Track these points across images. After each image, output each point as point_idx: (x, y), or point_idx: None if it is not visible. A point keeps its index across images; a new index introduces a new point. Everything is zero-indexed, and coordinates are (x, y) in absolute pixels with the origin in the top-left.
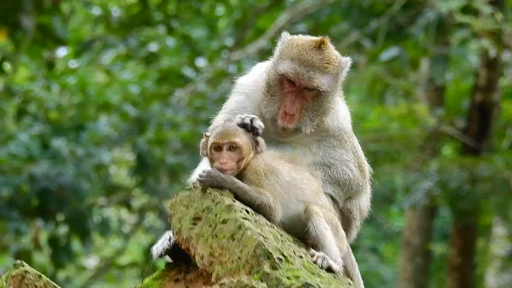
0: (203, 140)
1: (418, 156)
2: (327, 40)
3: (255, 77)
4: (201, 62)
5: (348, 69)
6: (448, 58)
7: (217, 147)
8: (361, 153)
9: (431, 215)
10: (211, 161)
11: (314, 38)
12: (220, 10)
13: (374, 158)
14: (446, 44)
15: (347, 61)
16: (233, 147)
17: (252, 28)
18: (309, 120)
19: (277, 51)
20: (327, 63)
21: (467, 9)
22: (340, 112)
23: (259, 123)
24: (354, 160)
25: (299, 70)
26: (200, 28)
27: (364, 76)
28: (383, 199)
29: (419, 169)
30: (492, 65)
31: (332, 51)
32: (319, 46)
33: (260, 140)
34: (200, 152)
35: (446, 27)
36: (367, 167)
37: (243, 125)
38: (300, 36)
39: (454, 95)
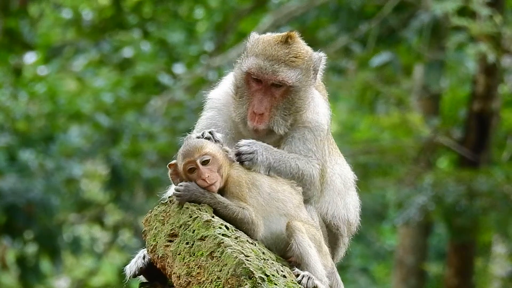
0: (170, 171)
1: (412, 169)
2: (294, 34)
3: (225, 88)
4: (179, 68)
5: (324, 64)
6: (444, 63)
7: (191, 168)
8: (328, 158)
9: (426, 233)
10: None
11: (281, 33)
12: (199, 12)
13: (364, 171)
14: (441, 48)
15: (320, 56)
16: (206, 160)
17: (233, 32)
18: (281, 120)
19: (244, 52)
20: (295, 57)
21: (464, 11)
22: (320, 108)
23: (219, 135)
24: (320, 161)
25: (262, 65)
26: (178, 32)
27: (354, 83)
28: (374, 215)
29: (413, 183)
30: (491, 71)
31: (300, 45)
32: (286, 41)
33: (228, 149)
34: (173, 183)
35: (442, 30)
36: (330, 177)
37: (207, 139)
38: (268, 33)
39: (450, 103)
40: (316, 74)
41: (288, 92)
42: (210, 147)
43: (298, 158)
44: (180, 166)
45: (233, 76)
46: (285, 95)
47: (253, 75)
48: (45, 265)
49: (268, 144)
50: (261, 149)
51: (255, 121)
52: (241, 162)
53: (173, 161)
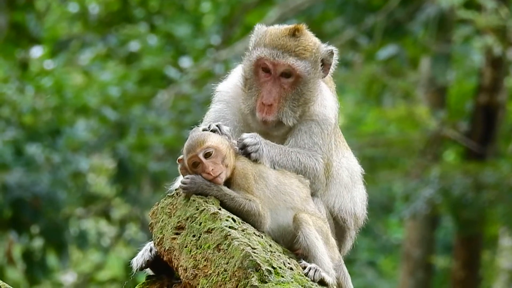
0: (180, 165)
1: (419, 161)
2: (302, 26)
3: (233, 81)
4: (185, 61)
5: (336, 59)
6: (450, 56)
7: (195, 162)
8: (334, 152)
9: (433, 225)
10: None
11: (289, 26)
12: (206, 6)
13: (371, 164)
14: (447, 41)
15: (329, 49)
16: (209, 152)
17: (240, 25)
18: (290, 111)
19: (251, 44)
20: (303, 50)
21: (470, 4)
22: (327, 102)
23: (226, 128)
24: (326, 154)
25: (272, 52)
26: (185, 26)
27: (360, 76)
28: (381, 208)
29: (420, 175)
30: (497, 64)
31: (308, 37)
32: (294, 33)
33: (235, 142)
34: (183, 177)
35: (448, 23)
36: (337, 170)
37: (212, 132)
38: (276, 25)
39: (456, 96)
40: (326, 66)
41: (297, 82)
42: (212, 139)
43: (300, 152)
44: (185, 161)
45: (242, 68)
46: (294, 86)
47: (262, 65)
48: (52, 259)
49: (276, 135)
50: (264, 142)
51: (264, 112)
52: (247, 154)
53: (181, 156)
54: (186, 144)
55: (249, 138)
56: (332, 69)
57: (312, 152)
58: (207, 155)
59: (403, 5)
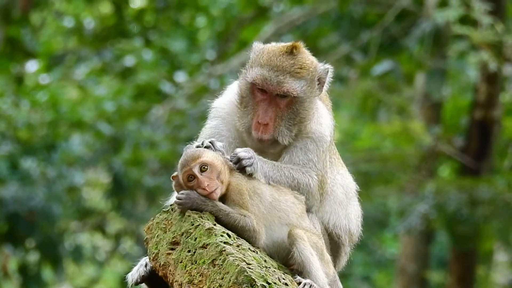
0: (174, 182)
1: (414, 177)
2: (299, 44)
3: (229, 97)
4: (180, 76)
5: (331, 77)
6: (446, 72)
7: (190, 176)
8: (329, 169)
9: (428, 241)
10: None
11: (286, 43)
12: (201, 21)
13: (366, 179)
14: (443, 57)
15: (326, 67)
16: (204, 166)
17: (235, 40)
18: (285, 130)
19: (248, 62)
20: (300, 68)
21: (465, 20)
22: (323, 119)
23: (219, 144)
24: (320, 171)
25: (267, 76)
26: (180, 41)
27: (355, 92)
28: (375, 223)
29: (415, 191)
30: (493, 80)
31: (305, 55)
32: (291, 51)
33: (229, 157)
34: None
35: (443, 39)
36: (331, 187)
37: (206, 148)
38: (273, 43)
39: (452, 111)
40: (321, 84)
41: (293, 102)
42: (207, 155)
43: (293, 168)
44: (180, 177)
45: (238, 86)
46: (290, 105)
47: (258, 86)
48: (47, 273)
49: (272, 153)
50: (257, 157)
51: (260, 131)
52: (242, 168)
53: (175, 173)
54: (180, 160)
55: (243, 152)
56: (326, 86)
57: (306, 168)
58: (202, 170)
59: (398, 20)
